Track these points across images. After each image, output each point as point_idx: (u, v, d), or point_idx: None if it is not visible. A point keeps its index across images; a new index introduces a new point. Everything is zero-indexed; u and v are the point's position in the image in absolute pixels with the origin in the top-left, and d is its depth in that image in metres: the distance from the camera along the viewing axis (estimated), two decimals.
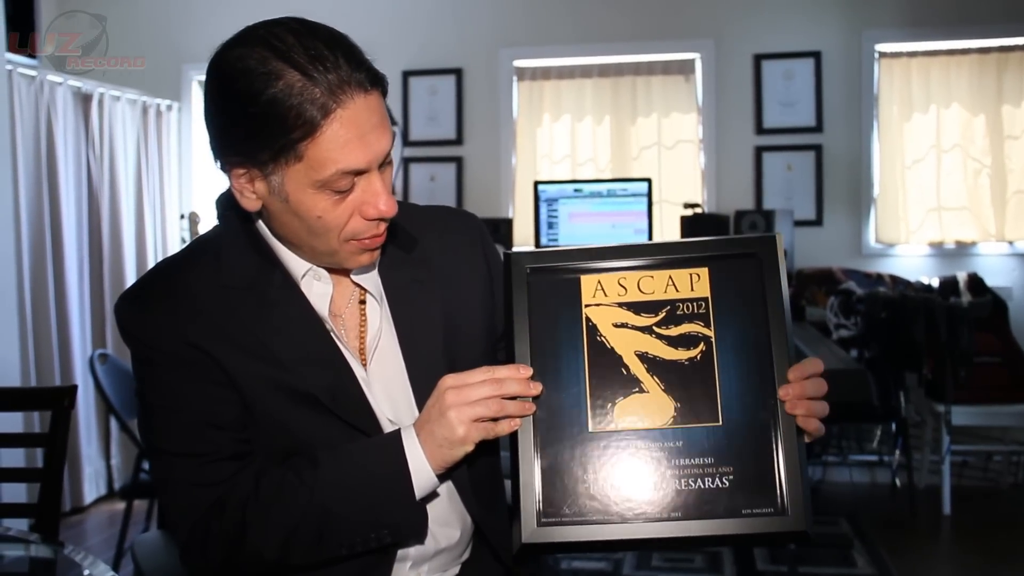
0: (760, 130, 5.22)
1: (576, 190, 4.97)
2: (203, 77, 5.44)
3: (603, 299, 1.19)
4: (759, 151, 5.23)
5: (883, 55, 5.14)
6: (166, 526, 2.51)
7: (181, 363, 1.21)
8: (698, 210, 4.94)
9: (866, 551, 3.75)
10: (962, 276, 4.62)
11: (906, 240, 5.11)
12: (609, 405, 1.15)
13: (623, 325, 1.18)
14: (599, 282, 1.20)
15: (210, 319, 1.22)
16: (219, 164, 1.20)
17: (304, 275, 1.27)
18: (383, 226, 1.22)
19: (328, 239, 1.20)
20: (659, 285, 1.19)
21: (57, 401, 1.97)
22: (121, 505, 4.19)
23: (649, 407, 1.15)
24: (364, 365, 1.30)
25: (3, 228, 3.76)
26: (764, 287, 1.17)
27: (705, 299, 1.18)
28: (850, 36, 5.13)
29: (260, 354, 1.22)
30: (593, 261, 1.21)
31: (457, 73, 5.46)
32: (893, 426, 4.53)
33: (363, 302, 1.33)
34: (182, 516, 1.23)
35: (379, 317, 1.31)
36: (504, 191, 5.42)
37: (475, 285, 1.39)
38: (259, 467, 1.23)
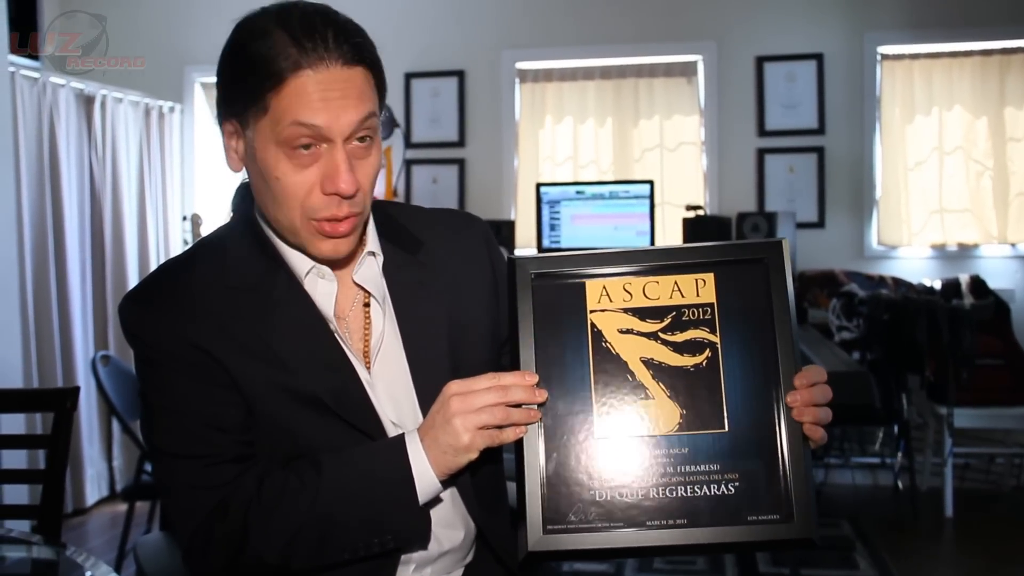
0: (762, 132, 5.22)
1: (578, 192, 4.97)
2: (205, 79, 5.42)
3: (608, 304, 1.18)
4: (761, 153, 5.23)
5: (885, 57, 5.14)
6: (168, 528, 2.52)
7: (184, 364, 1.21)
8: (700, 212, 4.94)
9: (868, 553, 3.75)
10: (964, 278, 4.61)
11: (908, 242, 5.11)
12: (614, 412, 1.14)
13: (628, 331, 1.17)
14: (604, 287, 1.19)
15: (214, 320, 1.22)
16: (218, 122, 1.25)
17: (308, 273, 1.27)
18: (345, 209, 1.19)
19: (289, 210, 1.19)
20: (664, 291, 1.18)
21: (59, 403, 1.98)
22: (123, 507, 4.20)
23: (655, 414, 1.14)
24: (368, 368, 1.29)
25: (6, 230, 3.76)
26: (770, 293, 1.17)
27: (711, 305, 1.17)
28: (852, 38, 5.13)
29: (264, 356, 1.22)
30: (598, 266, 1.20)
31: (459, 75, 5.46)
32: (895, 428, 4.53)
33: (367, 305, 1.33)
34: (184, 518, 1.23)
35: (383, 319, 1.31)
36: (506, 193, 5.42)
37: (480, 288, 1.39)
38: (262, 470, 1.23)
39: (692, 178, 5.33)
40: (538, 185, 5.04)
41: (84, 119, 4.70)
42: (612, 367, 1.16)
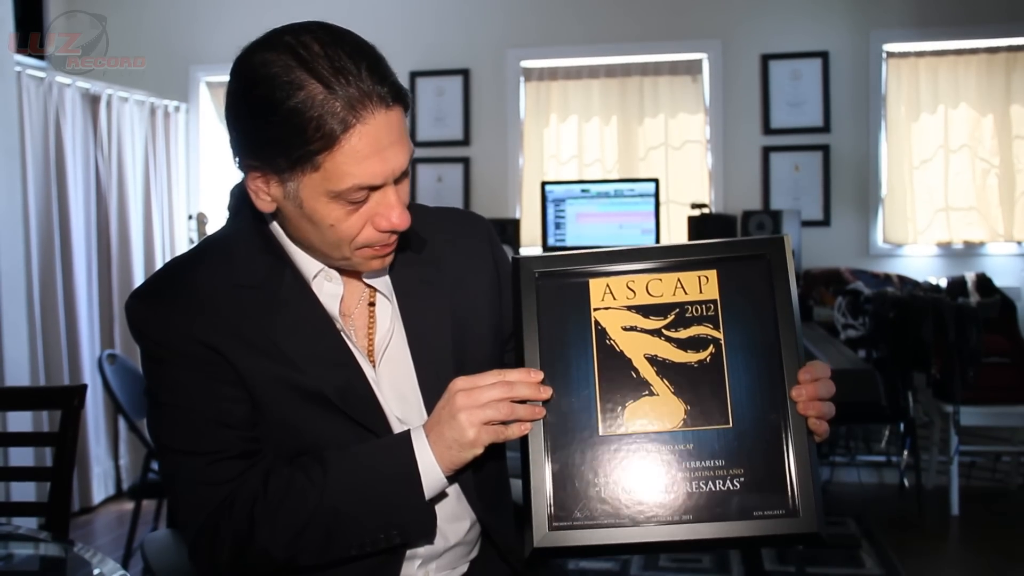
0: (767, 130, 5.22)
1: (583, 190, 4.97)
2: (210, 78, 5.41)
3: (612, 302, 1.19)
4: (766, 151, 5.22)
5: (891, 55, 5.13)
6: (175, 525, 2.52)
7: (191, 361, 1.22)
8: (705, 210, 4.94)
9: (874, 551, 3.75)
10: (970, 276, 4.60)
11: (914, 240, 5.10)
12: (619, 408, 1.15)
13: (632, 328, 1.18)
14: (608, 285, 1.20)
15: (221, 317, 1.22)
16: (237, 163, 1.21)
17: (316, 275, 1.28)
18: (395, 237, 1.23)
19: (340, 247, 1.21)
20: (668, 288, 1.19)
21: (67, 400, 1.98)
22: (129, 505, 4.21)
23: (659, 410, 1.15)
24: (373, 365, 1.30)
25: (13, 229, 3.77)
26: (773, 289, 1.17)
27: (714, 301, 1.18)
28: (858, 36, 5.12)
29: (271, 353, 1.23)
30: (601, 265, 1.21)
31: (464, 74, 5.46)
32: (901, 426, 4.52)
33: (372, 304, 1.33)
34: (190, 515, 1.23)
35: (389, 317, 1.32)
36: (511, 192, 5.42)
37: (484, 287, 1.40)
38: (267, 466, 1.23)
39: (697, 176, 5.33)
40: (543, 184, 5.04)
41: (90, 118, 4.70)
42: (616, 364, 1.16)
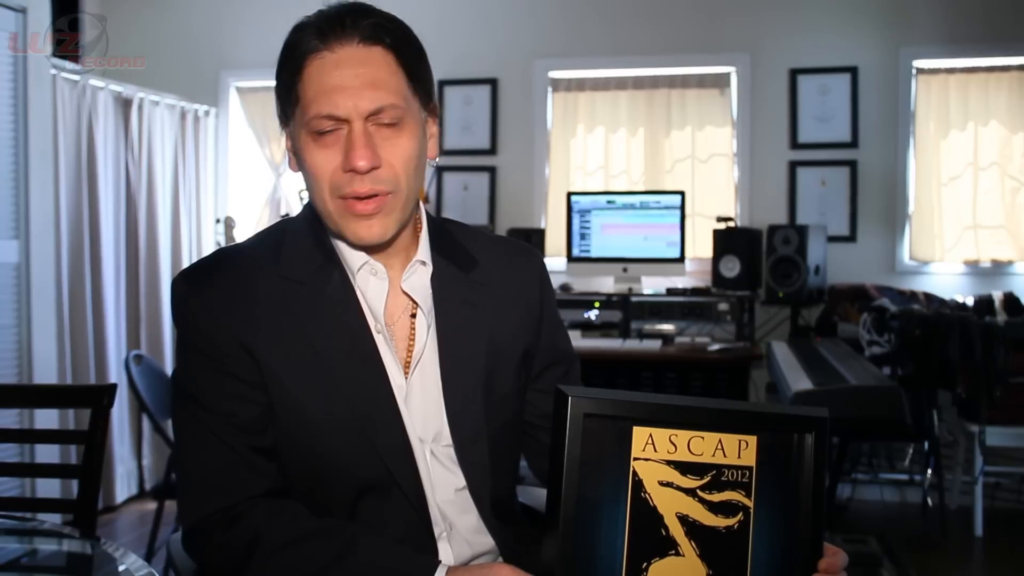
0: (794, 145, 5.20)
1: (609, 201, 4.97)
2: (240, 83, 5.45)
3: (652, 454, 1.16)
4: (793, 166, 5.20)
5: (921, 71, 5.10)
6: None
7: (222, 356, 1.23)
8: (731, 224, 4.92)
9: (895, 571, 3.71)
10: (998, 295, 4.56)
11: (941, 258, 5.06)
12: (644, 564, 1.13)
13: (668, 484, 1.15)
14: (651, 435, 1.16)
15: (261, 310, 1.23)
16: (281, 127, 1.30)
17: (360, 269, 1.29)
18: (367, 186, 1.20)
19: (319, 191, 1.22)
20: (708, 447, 1.16)
21: (97, 399, 2.00)
22: (152, 505, 4.25)
23: (683, 571, 1.14)
24: (406, 377, 1.30)
25: (44, 229, 3.83)
26: (807, 467, 1.16)
27: (750, 468, 1.16)
28: (887, 52, 5.09)
29: (303, 351, 1.23)
30: (648, 413, 1.16)
31: (492, 83, 5.48)
32: (925, 445, 4.48)
33: (414, 316, 1.33)
34: (190, 507, 1.24)
35: (426, 332, 1.32)
36: (537, 201, 5.43)
37: (525, 319, 1.40)
38: (286, 506, 1.23)
39: (723, 189, 5.31)
40: (569, 194, 5.04)
41: (122, 121, 4.76)
42: (648, 519, 1.14)
